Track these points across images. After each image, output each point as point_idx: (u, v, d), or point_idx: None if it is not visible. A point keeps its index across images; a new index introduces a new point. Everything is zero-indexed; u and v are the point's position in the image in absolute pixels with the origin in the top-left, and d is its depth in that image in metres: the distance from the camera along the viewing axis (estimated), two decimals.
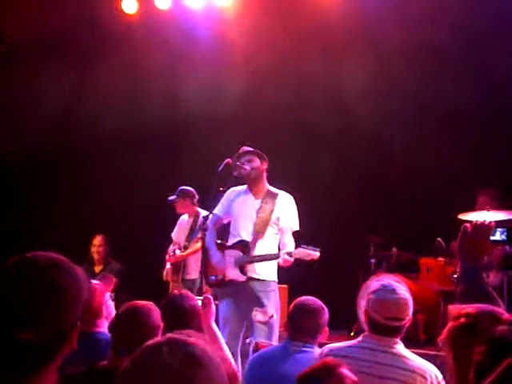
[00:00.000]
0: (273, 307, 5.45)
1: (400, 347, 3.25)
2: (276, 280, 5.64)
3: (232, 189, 5.85)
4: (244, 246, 5.60)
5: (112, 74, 8.90)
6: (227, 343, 4.81)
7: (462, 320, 2.42)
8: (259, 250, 5.57)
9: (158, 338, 1.38)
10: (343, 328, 7.58)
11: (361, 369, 3.10)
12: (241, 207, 5.78)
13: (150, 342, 1.35)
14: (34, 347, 1.51)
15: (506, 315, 2.35)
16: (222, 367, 1.38)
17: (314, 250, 5.26)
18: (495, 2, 7.84)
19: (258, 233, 5.61)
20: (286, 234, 5.63)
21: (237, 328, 5.56)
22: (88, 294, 1.71)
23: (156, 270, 7.45)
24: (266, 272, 5.57)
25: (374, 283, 3.54)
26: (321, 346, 3.81)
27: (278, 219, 5.63)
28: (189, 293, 3.77)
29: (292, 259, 5.33)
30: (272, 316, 5.35)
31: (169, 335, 1.39)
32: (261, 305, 5.43)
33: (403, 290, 3.35)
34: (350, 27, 8.26)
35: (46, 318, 1.52)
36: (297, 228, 5.68)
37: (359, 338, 3.36)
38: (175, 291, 3.65)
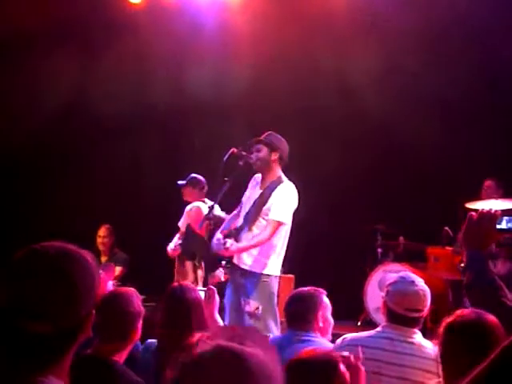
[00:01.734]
0: (260, 300, 5.36)
1: (418, 337, 3.34)
2: (268, 273, 5.46)
3: (255, 176, 5.82)
4: (235, 235, 5.55)
5: (118, 63, 8.89)
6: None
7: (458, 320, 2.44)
8: (244, 240, 5.49)
9: (211, 346, 1.27)
10: (350, 318, 7.58)
11: (381, 358, 3.22)
12: (248, 196, 5.77)
13: (202, 352, 1.26)
14: (51, 339, 1.51)
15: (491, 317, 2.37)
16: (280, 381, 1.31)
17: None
18: None
19: (246, 222, 5.55)
20: (267, 225, 5.43)
21: (235, 314, 5.56)
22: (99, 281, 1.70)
23: (163, 259, 7.45)
24: (254, 263, 5.46)
25: (392, 275, 3.61)
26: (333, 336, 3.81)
27: (269, 210, 5.47)
28: (190, 284, 3.75)
29: (227, 250, 5.31)
30: (257, 309, 5.31)
31: (223, 344, 1.27)
32: (246, 296, 5.40)
33: (420, 281, 3.46)
34: (356, 14, 8.22)
35: (61, 310, 1.52)
36: (279, 219, 5.43)
37: (378, 329, 3.45)
38: (175, 283, 3.61)
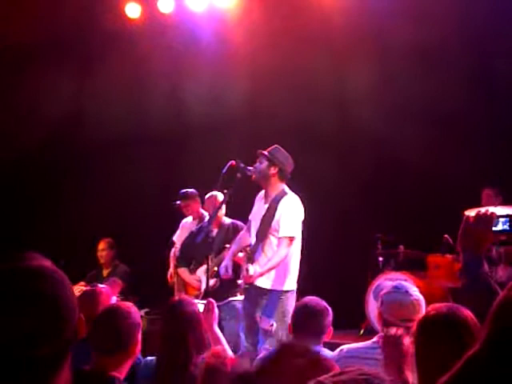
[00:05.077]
0: (275, 317, 5.35)
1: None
2: (286, 289, 5.45)
3: (260, 193, 5.80)
4: (247, 257, 5.54)
5: (116, 78, 8.93)
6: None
7: (431, 314, 2.45)
8: (259, 259, 5.48)
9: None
10: (352, 326, 7.57)
11: (379, 369, 3.14)
12: (254, 212, 5.76)
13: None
14: (50, 358, 1.49)
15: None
16: None
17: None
18: (499, 4, 7.82)
19: (259, 241, 5.53)
20: (280, 245, 5.43)
21: (249, 329, 5.56)
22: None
23: (162, 272, 7.47)
24: (271, 282, 5.45)
25: (386, 284, 3.55)
26: (325, 344, 3.81)
27: (278, 225, 5.46)
28: (188, 298, 3.74)
29: (250, 277, 5.30)
30: (272, 325, 5.30)
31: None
32: (262, 313, 5.39)
33: (415, 290, 3.41)
34: (352, 27, 8.25)
35: (55, 330, 1.50)
36: (290, 234, 5.43)
37: (374, 339, 3.40)
38: (174, 298, 3.61)
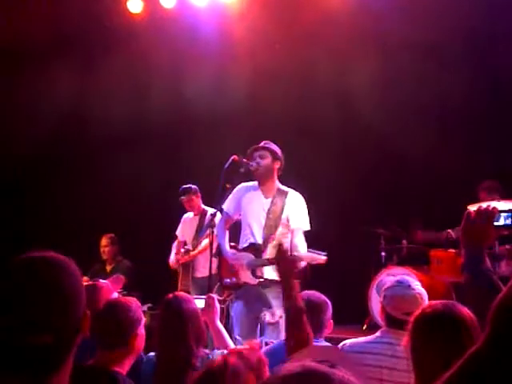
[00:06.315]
0: (282, 308, 5.38)
1: None
2: None
3: (241, 184, 5.76)
4: (256, 249, 5.50)
5: (118, 73, 8.94)
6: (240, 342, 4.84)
7: (427, 311, 2.44)
8: (270, 252, 5.43)
9: (299, 367, 1.21)
10: (355, 322, 7.57)
11: (382, 363, 3.19)
12: (251, 205, 5.68)
13: (289, 372, 1.19)
14: (52, 348, 1.51)
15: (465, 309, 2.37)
16: None
17: (320, 254, 5.01)
18: (502, 2, 7.81)
19: (269, 234, 5.51)
20: (297, 234, 5.52)
21: (249, 328, 5.52)
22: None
23: (165, 267, 7.47)
24: (276, 272, 5.48)
25: (389, 279, 3.55)
26: (327, 339, 3.81)
27: (287, 219, 5.50)
28: (185, 295, 3.72)
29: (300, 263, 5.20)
30: (281, 317, 5.29)
31: (312, 365, 1.21)
32: (269, 306, 5.37)
33: (417, 284, 3.42)
34: (353, 23, 8.24)
35: (60, 320, 1.52)
36: (307, 227, 5.57)
37: (377, 334, 3.41)
38: (170, 295, 3.58)
